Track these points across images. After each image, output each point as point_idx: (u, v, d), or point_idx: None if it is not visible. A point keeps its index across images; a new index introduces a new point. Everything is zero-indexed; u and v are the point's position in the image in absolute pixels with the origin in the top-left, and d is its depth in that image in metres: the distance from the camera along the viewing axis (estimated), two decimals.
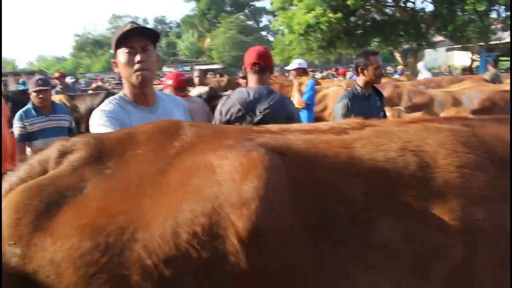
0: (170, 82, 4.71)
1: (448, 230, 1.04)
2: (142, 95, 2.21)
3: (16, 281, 0.92)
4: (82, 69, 61.99)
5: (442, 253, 1.02)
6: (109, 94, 7.14)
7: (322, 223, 0.94)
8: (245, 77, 4.52)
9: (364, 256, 0.97)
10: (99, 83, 15.77)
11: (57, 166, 1.09)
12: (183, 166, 1.00)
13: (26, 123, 4.71)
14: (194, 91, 5.39)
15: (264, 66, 3.09)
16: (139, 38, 2.11)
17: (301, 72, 6.95)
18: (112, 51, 2.26)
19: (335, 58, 27.76)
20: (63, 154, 1.11)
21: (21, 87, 11.45)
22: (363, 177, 1.02)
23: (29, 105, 4.85)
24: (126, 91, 2.25)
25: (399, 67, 18.77)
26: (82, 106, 7.05)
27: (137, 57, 2.09)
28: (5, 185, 1.11)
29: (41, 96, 4.77)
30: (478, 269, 1.07)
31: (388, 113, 5.07)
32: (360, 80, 4.06)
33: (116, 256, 0.89)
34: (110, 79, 25.51)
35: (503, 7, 17.85)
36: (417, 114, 5.02)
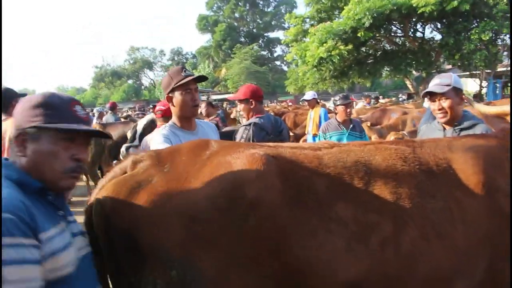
0: (162, 107, 5.15)
1: (382, 212, 1.67)
2: (188, 122, 2.95)
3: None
4: (100, 99, 63.36)
5: (377, 227, 1.64)
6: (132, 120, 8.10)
7: (299, 201, 1.58)
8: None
9: (326, 225, 1.59)
10: (129, 112, 16.67)
11: (132, 170, 1.76)
12: (212, 164, 1.64)
13: None
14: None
15: (261, 98, 3.90)
16: (193, 82, 2.86)
17: (314, 102, 7.81)
18: (164, 89, 2.95)
19: (348, 87, 28.36)
20: (135, 163, 1.78)
21: None
22: (326, 176, 1.66)
23: None
24: (175, 120, 2.96)
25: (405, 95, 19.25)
26: (114, 133, 7.87)
27: (195, 96, 2.86)
28: (100, 185, 1.77)
29: None
30: (404, 240, 1.66)
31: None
32: None
33: (173, 218, 1.53)
34: (128, 108, 26.50)
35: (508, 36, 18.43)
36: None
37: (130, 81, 70.43)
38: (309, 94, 8.08)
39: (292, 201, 1.58)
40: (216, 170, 1.62)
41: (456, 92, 2.86)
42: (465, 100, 2.94)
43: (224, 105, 24.49)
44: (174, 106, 2.91)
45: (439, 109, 2.90)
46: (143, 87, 71.75)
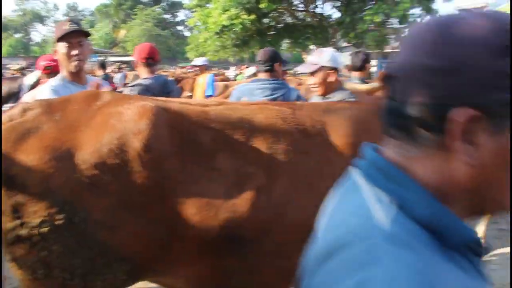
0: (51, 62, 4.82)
1: (259, 164, 1.83)
2: (78, 76, 2.93)
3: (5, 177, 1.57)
4: None
5: (253, 177, 1.80)
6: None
7: (185, 151, 1.69)
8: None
9: (208, 173, 1.72)
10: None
11: (21, 117, 1.74)
12: (103, 114, 1.69)
13: None
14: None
15: (155, 60, 3.89)
16: (75, 35, 2.81)
17: (204, 68, 7.91)
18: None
19: (249, 57, 28.68)
20: (25, 110, 1.76)
21: None
22: (211, 130, 1.78)
23: None
24: (65, 74, 2.91)
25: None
26: None
27: (74, 51, 2.80)
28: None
29: None
30: (276, 190, 1.83)
31: None
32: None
33: (64, 163, 1.57)
34: (17, 64, 24.44)
35: (397, 20, 19.83)
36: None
37: (17, 35, 64.65)
38: (199, 60, 8.17)
39: (178, 150, 1.68)
40: (107, 119, 1.67)
41: (327, 70, 3.19)
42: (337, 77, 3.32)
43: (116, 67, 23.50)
44: (59, 59, 2.91)
45: (312, 84, 3.28)
46: (32, 42, 66.34)
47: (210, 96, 6.93)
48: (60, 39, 2.81)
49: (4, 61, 23.87)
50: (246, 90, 3.74)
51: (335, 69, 3.21)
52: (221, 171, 1.76)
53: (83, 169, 1.56)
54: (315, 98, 3.39)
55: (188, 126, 1.76)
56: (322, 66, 3.19)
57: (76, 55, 2.82)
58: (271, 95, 3.56)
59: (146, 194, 1.62)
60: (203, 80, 7.54)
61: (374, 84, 2.83)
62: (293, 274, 2.10)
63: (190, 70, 22.19)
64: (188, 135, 1.75)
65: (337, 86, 3.26)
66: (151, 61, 3.83)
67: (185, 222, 1.68)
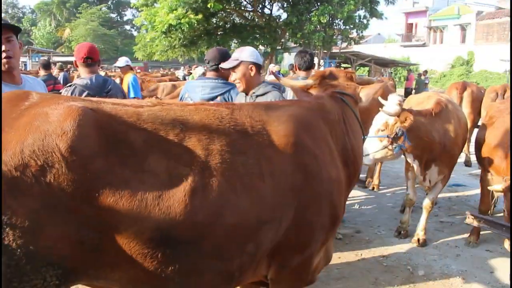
0: None
1: (193, 165, 1.80)
2: (11, 75, 2.77)
3: None
4: None
5: (186, 178, 1.77)
6: None
7: (114, 152, 1.64)
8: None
9: (139, 175, 1.68)
10: None
11: None
12: (29, 114, 1.62)
13: None
14: None
15: (95, 59, 3.80)
16: (3, 31, 2.64)
17: (127, 69, 7.72)
18: None
19: (197, 56, 28.55)
20: None
21: None
22: (143, 131, 1.74)
23: None
24: None
25: None
26: None
27: (2, 48, 2.64)
28: None
29: None
30: (211, 191, 1.81)
31: None
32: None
33: None
34: None
35: (342, 21, 20.39)
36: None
37: None
38: (121, 61, 7.91)
39: (106, 151, 1.64)
40: (32, 120, 1.61)
41: (247, 65, 3.26)
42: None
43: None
44: None
45: (234, 80, 3.34)
46: None
47: (135, 98, 6.64)
48: None
49: None
50: (189, 87, 3.77)
51: (255, 65, 3.28)
52: (153, 172, 1.73)
53: (4, 171, 1.50)
54: (239, 97, 3.44)
55: (118, 127, 1.72)
56: (242, 61, 3.25)
57: (5, 51, 2.66)
58: (209, 93, 3.60)
59: (72, 196, 1.57)
60: (126, 81, 7.19)
61: (309, 81, 2.87)
62: (233, 276, 2.12)
63: (139, 71, 21.87)
64: (118, 136, 1.70)
65: (258, 81, 3.33)
66: (90, 61, 3.73)
67: (116, 224, 1.64)
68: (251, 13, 23.38)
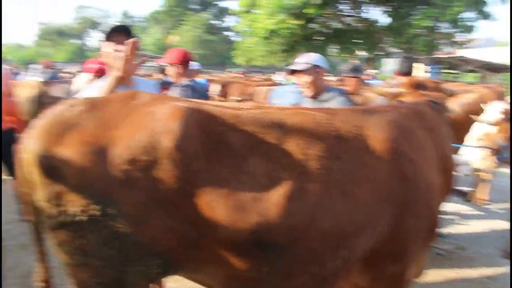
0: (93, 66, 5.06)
1: (290, 169, 1.84)
2: (124, 78, 2.91)
3: None
4: (43, 58, 59.44)
5: (284, 182, 1.80)
6: None
7: (215, 152, 1.73)
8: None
9: (237, 176, 1.75)
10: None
11: (67, 113, 1.82)
12: (139, 113, 1.76)
13: None
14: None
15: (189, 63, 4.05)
16: (122, 35, 2.83)
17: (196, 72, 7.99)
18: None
19: None
20: (71, 106, 1.84)
21: None
22: (243, 132, 1.81)
23: None
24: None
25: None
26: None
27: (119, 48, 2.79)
28: (32, 126, 1.81)
29: None
30: (308, 196, 1.83)
31: None
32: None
33: (99, 157, 1.64)
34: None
35: (447, 24, 19.25)
36: None
37: (72, 41, 67.03)
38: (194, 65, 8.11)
39: (208, 151, 1.73)
40: (141, 118, 1.76)
41: (315, 69, 3.25)
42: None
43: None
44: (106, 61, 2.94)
45: (302, 84, 3.32)
46: (85, 48, 68.61)
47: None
48: (106, 39, 2.86)
49: (59, 66, 24.93)
50: (278, 92, 3.84)
51: (324, 70, 3.29)
52: (252, 174, 1.78)
53: (116, 164, 1.65)
54: (307, 102, 3.41)
55: (219, 128, 1.81)
56: (314, 65, 3.24)
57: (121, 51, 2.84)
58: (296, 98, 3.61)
59: (174, 192, 1.67)
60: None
61: (400, 89, 2.82)
62: (326, 280, 2.12)
63: (238, 75, 22.46)
64: (219, 136, 1.79)
65: (325, 87, 3.32)
66: (187, 64, 3.99)
67: (214, 223, 1.72)
68: (351, 18, 22.98)
